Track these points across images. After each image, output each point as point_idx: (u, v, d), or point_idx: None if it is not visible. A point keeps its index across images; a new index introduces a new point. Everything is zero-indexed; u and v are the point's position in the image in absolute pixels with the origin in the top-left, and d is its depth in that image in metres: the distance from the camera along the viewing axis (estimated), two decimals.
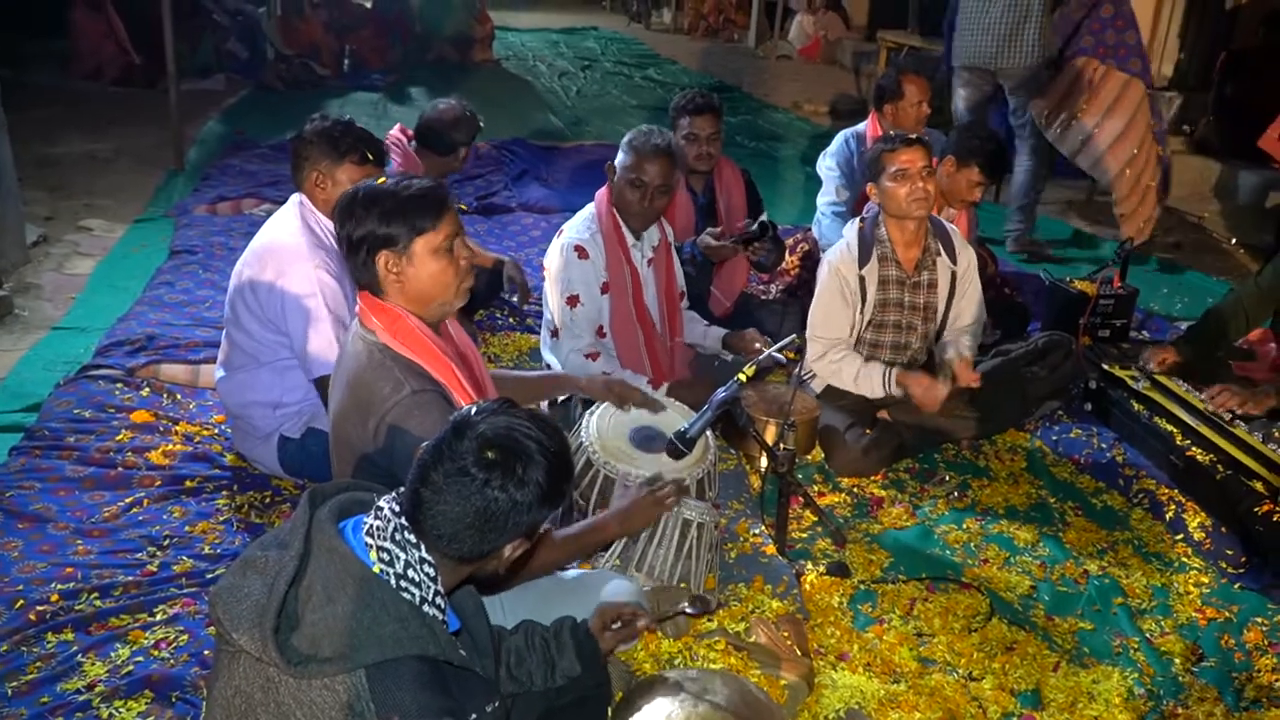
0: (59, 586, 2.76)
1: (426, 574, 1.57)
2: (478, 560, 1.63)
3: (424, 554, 1.57)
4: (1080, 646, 2.79)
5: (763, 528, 3.15)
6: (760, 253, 4.17)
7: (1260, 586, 3.05)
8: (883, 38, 9.39)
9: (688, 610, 2.34)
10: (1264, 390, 3.60)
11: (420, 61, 11.71)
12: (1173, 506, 3.39)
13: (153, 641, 2.59)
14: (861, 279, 3.64)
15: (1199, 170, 7.62)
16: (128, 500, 3.19)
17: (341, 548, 1.55)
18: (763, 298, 4.73)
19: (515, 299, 4.65)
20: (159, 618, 2.69)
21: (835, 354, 3.65)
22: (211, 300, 4.69)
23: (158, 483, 3.28)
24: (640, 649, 2.56)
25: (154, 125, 7.86)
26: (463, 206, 6.33)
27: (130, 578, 2.83)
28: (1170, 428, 3.64)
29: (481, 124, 4.55)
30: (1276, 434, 3.38)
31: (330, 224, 3.19)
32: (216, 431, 3.62)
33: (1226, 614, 2.94)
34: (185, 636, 2.62)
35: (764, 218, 4.29)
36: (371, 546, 1.56)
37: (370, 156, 3.18)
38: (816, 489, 3.50)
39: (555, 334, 3.58)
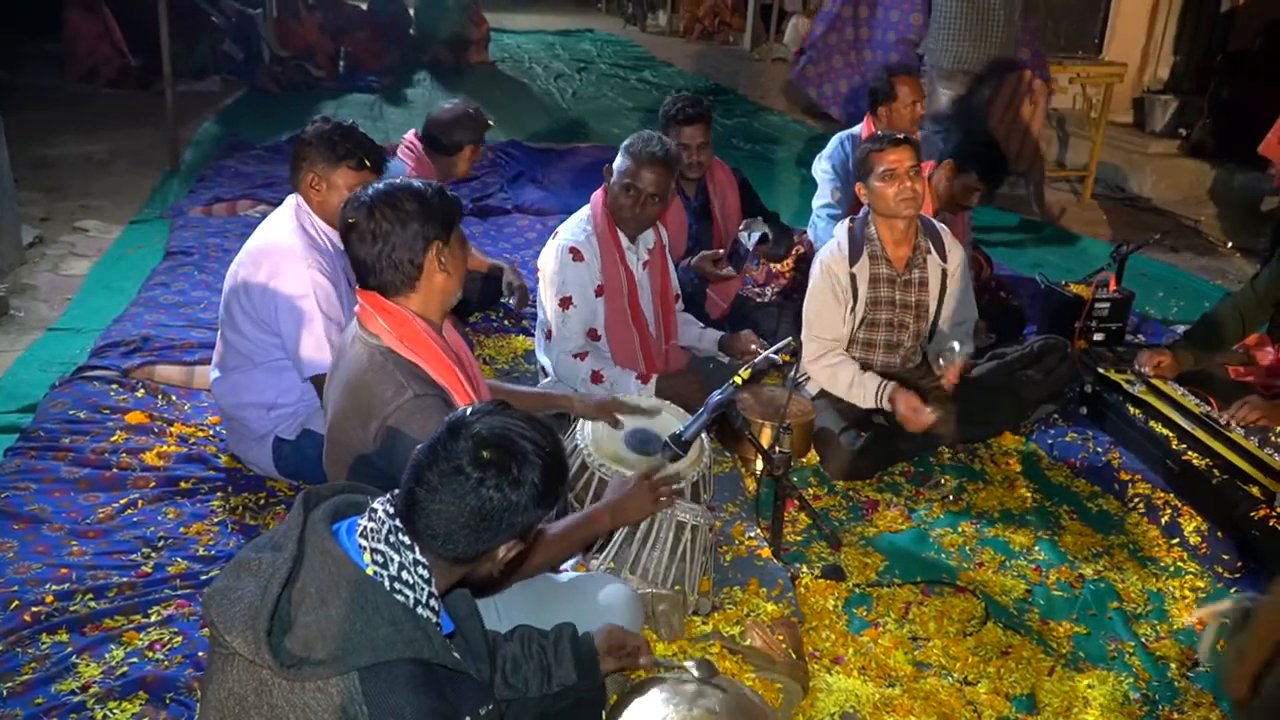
0: (54, 587, 2.76)
1: (421, 576, 1.57)
2: (472, 561, 1.63)
3: (418, 556, 1.57)
4: (1075, 651, 2.79)
5: (758, 531, 3.15)
6: (771, 250, 4.20)
7: (1256, 591, 3.05)
8: None
9: (691, 668, 2.27)
10: None
11: (416, 63, 11.71)
12: (1168, 511, 3.39)
13: (147, 643, 2.59)
14: (852, 276, 3.64)
15: (1195, 173, 7.63)
16: (122, 501, 3.18)
17: (335, 550, 1.55)
18: (758, 300, 4.72)
19: (513, 301, 4.64)
20: (153, 619, 2.68)
21: (831, 358, 3.65)
22: (207, 301, 4.68)
23: (152, 484, 3.28)
24: None
25: (149, 127, 7.86)
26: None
27: (125, 579, 2.82)
28: (1166, 432, 3.64)
29: (491, 123, 4.56)
30: (1273, 438, 3.39)
31: (325, 226, 3.21)
32: (211, 433, 3.62)
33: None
34: (180, 638, 2.61)
35: (762, 230, 4.27)
36: (365, 549, 1.56)
37: (367, 162, 3.17)
38: (812, 492, 3.50)
39: (549, 336, 3.57)
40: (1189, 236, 6.86)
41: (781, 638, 2.59)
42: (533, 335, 4.16)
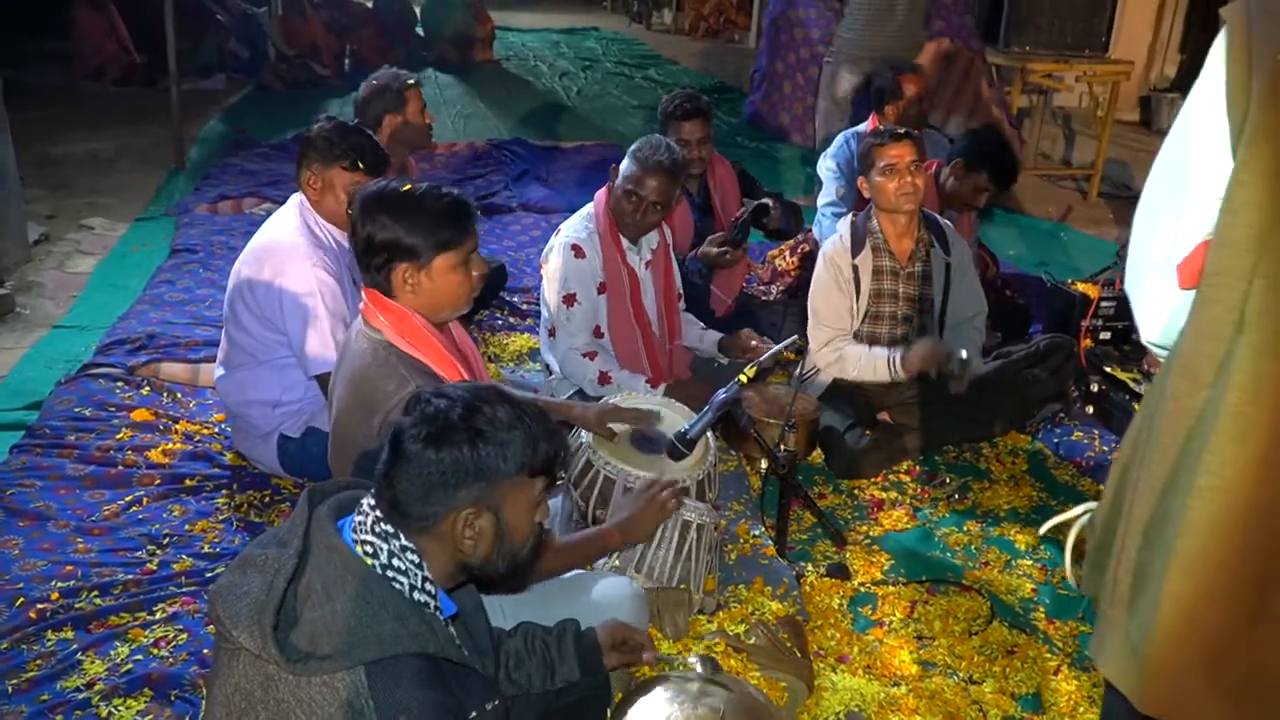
0: (59, 584, 2.76)
1: (411, 561, 1.58)
2: (428, 525, 1.60)
3: (404, 542, 1.58)
4: (1081, 650, 2.78)
5: (763, 529, 3.15)
6: (775, 223, 4.18)
7: None
8: None
9: (695, 665, 2.27)
10: None
11: (421, 61, 11.69)
12: None
13: (152, 640, 2.59)
14: (855, 268, 3.65)
15: None
16: (128, 499, 3.19)
17: (340, 545, 1.56)
18: (763, 298, 4.72)
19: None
20: (159, 616, 2.69)
21: (838, 342, 3.67)
22: (212, 299, 4.69)
23: (158, 481, 3.28)
24: None
25: (155, 124, 7.86)
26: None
27: (130, 576, 2.83)
28: None
29: (412, 81, 4.26)
30: None
31: (328, 224, 3.21)
32: (216, 430, 3.62)
33: None
34: (185, 635, 2.62)
35: (762, 200, 4.28)
36: (357, 542, 1.57)
37: (362, 164, 3.18)
38: (817, 490, 3.49)
39: (553, 333, 3.57)
40: None
41: (786, 636, 2.59)
42: (537, 333, 4.15)
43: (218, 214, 6.05)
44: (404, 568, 1.57)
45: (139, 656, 2.54)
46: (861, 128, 4.87)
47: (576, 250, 3.48)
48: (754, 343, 3.65)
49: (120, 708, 2.36)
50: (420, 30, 12.18)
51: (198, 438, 3.57)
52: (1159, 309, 1.47)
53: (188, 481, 3.30)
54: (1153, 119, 8.39)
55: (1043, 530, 2.03)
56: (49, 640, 2.57)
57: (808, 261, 4.73)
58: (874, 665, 2.66)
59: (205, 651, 2.53)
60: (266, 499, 3.27)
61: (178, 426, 3.61)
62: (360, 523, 1.59)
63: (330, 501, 1.65)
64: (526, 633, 2.04)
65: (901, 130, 3.65)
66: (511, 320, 4.78)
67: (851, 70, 6.43)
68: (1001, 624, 2.85)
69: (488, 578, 1.74)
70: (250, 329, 3.22)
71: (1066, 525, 1.84)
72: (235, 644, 1.50)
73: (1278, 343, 1.26)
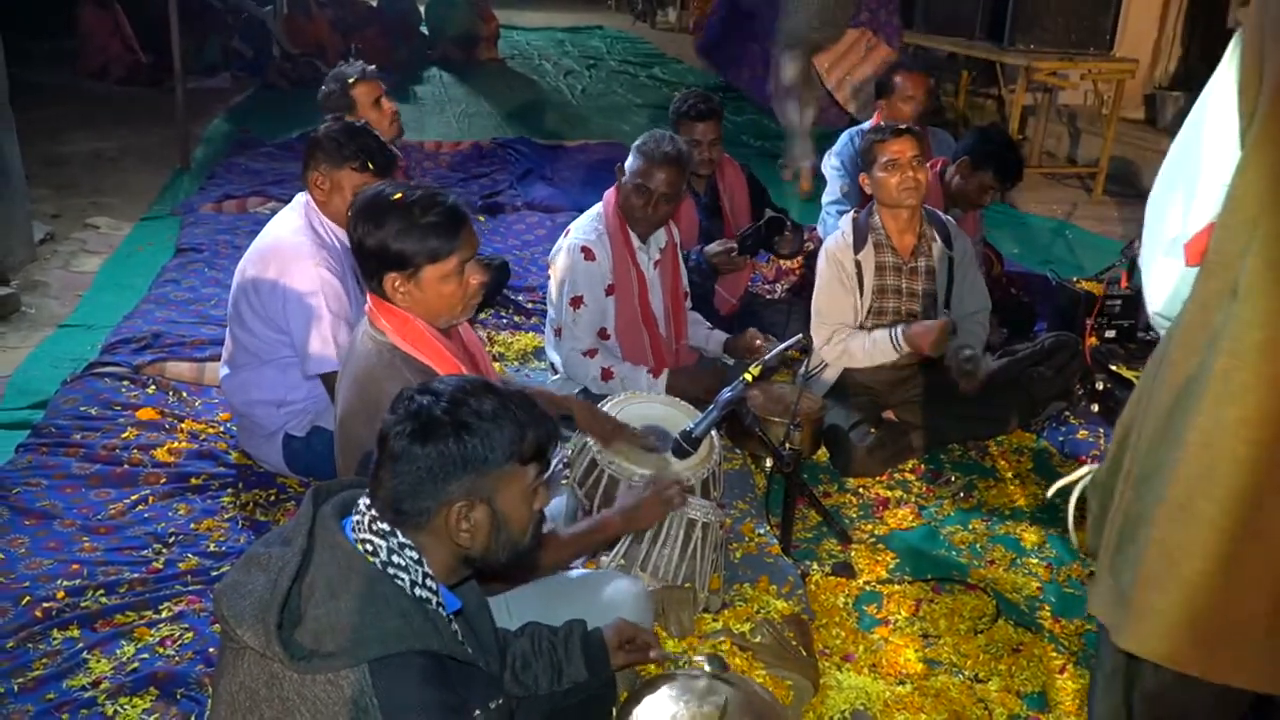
0: (65, 583, 2.77)
1: (410, 558, 1.58)
2: (433, 516, 1.60)
3: (401, 539, 1.58)
4: (1087, 649, 2.77)
5: (768, 528, 3.14)
6: (787, 246, 4.19)
7: None
8: None
9: (702, 663, 2.27)
10: None
11: (425, 60, 11.72)
12: None
13: (158, 639, 2.59)
14: (858, 264, 3.65)
15: None
16: (133, 498, 3.19)
17: (344, 544, 1.56)
18: (768, 297, 4.72)
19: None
20: (164, 615, 2.69)
21: (840, 334, 3.67)
22: (217, 298, 4.69)
23: (163, 480, 3.29)
24: None
25: (160, 124, 7.88)
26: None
27: (136, 575, 2.83)
28: None
29: (353, 78, 4.10)
30: None
31: (333, 224, 3.22)
32: (222, 429, 3.62)
33: None
34: (190, 634, 2.62)
35: (769, 214, 4.28)
36: (358, 541, 1.57)
37: (371, 165, 3.18)
38: (822, 489, 3.49)
39: (559, 333, 3.57)
40: None
41: (792, 635, 2.59)
42: (542, 332, 4.16)
43: (222, 213, 6.06)
44: (404, 564, 1.57)
45: (145, 655, 2.54)
46: (865, 125, 4.87)
47: (586, 252, 3.48)
48: (758, 342, 3.65)
49: (126, 706, 2.37)
50: (425, 29, 12.21)
51: (203, 437, 3.57)
52: (1166, 282, 1.59)
53: (193, 480, 3.30)
54: (1158, 117, 8.37)
55: (1050, 491, 2.15)
56: (55, 639, 2.57)
57: (812, 260, 4.72)
58: (879, 664, 2.65)
59: (211, 650, 2.53)
60: (272, 498, 3.27)
61: (183, 425, 3.61)
62: (358, 522, 1.60)
63: (335, 500, 1.65)
64: (533, 634, 2.04)
65: (903, 125, 3.66)
66: (516, 319, 4.78)
67: (791, 57, 7.24)
68: (1007, 622, 2.85)
69: (490, 569, 1.74)
70: (254, 329, 3.22)
71: (1069, 507, 2.01)
72: (240, 642, 1.50)
73: (1266, 314, 1.37)
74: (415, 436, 1.58)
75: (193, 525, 3.09)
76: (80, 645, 2.55)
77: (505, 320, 4.76)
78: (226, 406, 3.62)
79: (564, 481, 2.80)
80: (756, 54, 9.15)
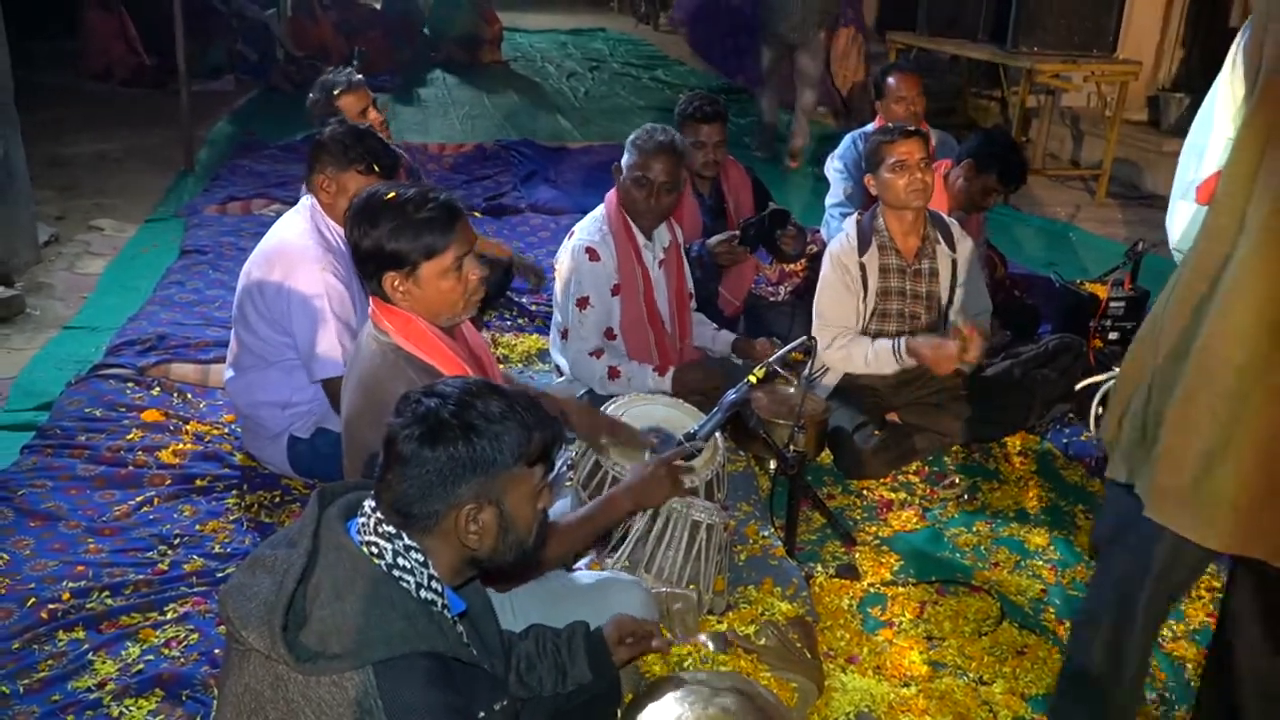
0: (70, 585, 2.77)
1: (416, 560, 1.58)
2: (430, 524, 1.60)
3: (408, 542, 1.58)
4: None
5: (772, 530, 3.14)
6: (790, 244, 4.19)
7: None
8: (891, 39, 9.37)
9: (706, 643, 2.29)
10: None
11: (429, 62, 11.73)
12: None
13: (163, 640, 2.60)
14: (862, 266, 3.65)
15: None
16: (138, 499, 3.20)
17: (350, 545, 1.56)
18: (771, 299, 4.72)
19: (530, 283, 4.74)
20: (169, 616, 2.69)
21: (843, 339, 3.67)
22: (221, 300, 4.70)
23: (168, 482, 3.29)
24: None
25: (164, 126, 7.89)
26: (476, 214, 6.33)
27: (141, 576, 2.84)
28: None
29: (338, 89, 4.10)
30: None
31: (339, 227, 3.22)
32: (226, 431, 3.63)
33: None
34: (196, 635, 2.62)
35: (773, 206, 4.29)
36: (363, 543, 1.58)
37: (377, 168, 3.19)
38: (826, 491, 3.49)
39: (565, 335, 3.57)
40: None
41: (796, 637, 2.58)
42: (547, 334, 4.16)
43: (227, 215, 6.08)
44: (409, 566, 1.57)
45: (150, 656, 2.54)
46: (869, 127, 4.87)
47: (591, 253, 3.48)
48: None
49: (131, 708, 2.37)
50: (428, 31, 12.22)
51: (208, 438, 3.58)
52: (1183, 220, 1.94)
53: (198, 482, 3.31)
54: (1161, 118, 8.35)
55: (1078, 387, 2.53)
56: (60, 640, 2.58)
57: (815, 262, 4.72)
58: (884, 666, 2.65)
59: (216, 651, 2.54)
60: (277, 499, 3.28)
61: (188, 427, 3.62)
62: (364, 524, 1.60)
63: (340, 502, 1.65)
64: (538, 636, 2.04)
65: (911, 127, 3.65)
66: (520, 321, 4.78)
67: (768, 48, 7.85)
68: (1011, 624, 2.85)
69: (496, 569, 1.74)
70: (259, 331, 3.23)
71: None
72: (245, 644, 1.51)
73: (1262, 247, 1.68)
74: (424, 440, 1.58)
75: (198, 527, 3.10)
76: (85, 647, 2.55)
77: (509, 323, 4.76)
78: (231, 408, 3.62)
79: (568, 483, 2.80)
80: (744, 45, 9.74)
